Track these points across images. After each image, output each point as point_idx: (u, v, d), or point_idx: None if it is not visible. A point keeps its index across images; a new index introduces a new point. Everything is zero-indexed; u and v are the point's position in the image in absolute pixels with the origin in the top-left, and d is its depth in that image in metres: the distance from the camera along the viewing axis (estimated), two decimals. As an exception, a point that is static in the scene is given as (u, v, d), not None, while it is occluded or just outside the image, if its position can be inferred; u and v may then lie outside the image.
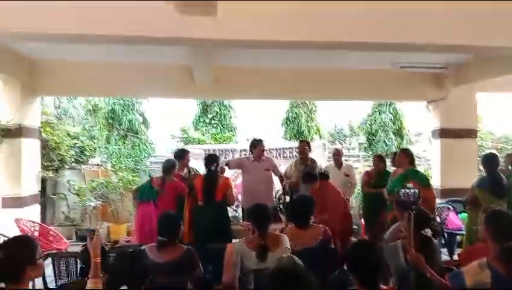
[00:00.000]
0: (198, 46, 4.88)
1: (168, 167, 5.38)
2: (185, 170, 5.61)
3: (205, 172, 5.22)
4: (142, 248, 2.85)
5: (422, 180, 5.08)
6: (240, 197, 6.87)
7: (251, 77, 7.17)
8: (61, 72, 6.81)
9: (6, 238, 2.61)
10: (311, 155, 6.37)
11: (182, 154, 5.76)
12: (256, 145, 5.95)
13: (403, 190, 3.39)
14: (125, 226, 8.14)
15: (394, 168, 5.97)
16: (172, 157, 5.80)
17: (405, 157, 5.31)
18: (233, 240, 4.51)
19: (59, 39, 4.49)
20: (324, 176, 5.45)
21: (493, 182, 4.85)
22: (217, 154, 7.17)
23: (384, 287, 2.39)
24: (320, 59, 6.64)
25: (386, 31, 4.10)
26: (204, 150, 7.82)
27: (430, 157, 8.65)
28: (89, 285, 2.49)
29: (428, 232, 3.27)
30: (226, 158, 7.80)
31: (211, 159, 5.28)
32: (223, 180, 5.21)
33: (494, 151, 5.94)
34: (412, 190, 3.27)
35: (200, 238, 4.80)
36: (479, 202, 4.76)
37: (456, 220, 6.49)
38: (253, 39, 4.06)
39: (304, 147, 6.05)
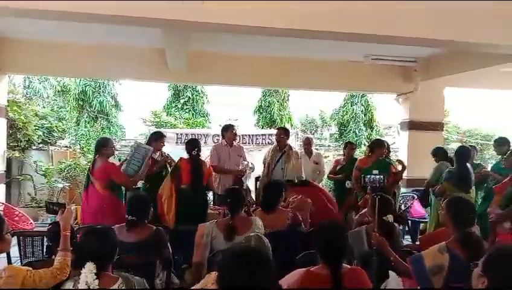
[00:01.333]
0: (174, 30, 4.82)
1: (96, 146, 4.85)
2: (158, 153, 5.53)
3: (189, 157, 5.15)
4: (112, 226, 2.85)
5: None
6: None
7: (225, 64, 7.15)
8: (30, 51, 6.60)
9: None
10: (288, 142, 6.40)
11: (157, 137, 5.59)
12: (228, 129, 5.95)
13: (368, 176, 3.50)
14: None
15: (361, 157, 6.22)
16: (105, 137, 5.53)
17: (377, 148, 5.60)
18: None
19: (29, 14, 4.30)
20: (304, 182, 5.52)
21: (461, 176, 5.09)
22: (183, 138, 7.16)
23: (348, 266, 2.48)
24: (295, 48, 6.69)
25: (358, 22, 4.15)
26: (177, 134, 7.79)
27: (398, 148, 8.88)
28: (58, 257, 2.50)
29: (389, 218, 3.38)
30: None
31: (192, 144, 5.24)
32: (208, 167, 5.30)
33: (466, 145, 6.20)
34: (377, 176, 3.38)
35: (183, 220, 4.71)
36: (446, 194, 4.95)
37: (420, 209, 6.74)
38: (229, 23, 4.03)
39: (281, 135, 6.09)
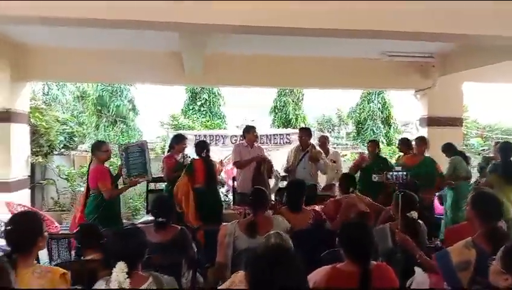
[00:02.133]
0: (190, 33, 4.88)
1: (91, 149, 4.92)
2: (180, 155, 5.61)
3: (201, 157, 5.32)
4: (139, 226, 2.91)
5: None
6: (230, 182, 6.94)
7: (240, 65, 7.19)
8: (50, 58, 6.74)
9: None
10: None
11: (178, 139, 5.72)
12: (250, 130, 6.05)
13: (391, 173, 3.49)
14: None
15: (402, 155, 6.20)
16: (100, 141, 5.59)
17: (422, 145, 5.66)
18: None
19: (49, 23, 4.43)
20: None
21: (506, 169, 5.11)
22: (208, 140, 7.26)
23: (374, 262, 2.49)
24: (310, 47, 6.68)
25: (374, 20, 4.14)
26: (195, 136, 7.85)
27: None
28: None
29: (413, 214, 3.37)
30: (216, 144, 7.88)
31: (201, 146, 5.41)
32: (218, 166, 5.50)
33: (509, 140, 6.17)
34: (400, 173, 3.37)
35: (202, 220, 4.92)
36: (492, 187, 4.95)
37: (440, 206, 6.67)
38: (244, 25, 4.07)
39: (301, 135, 6.11)
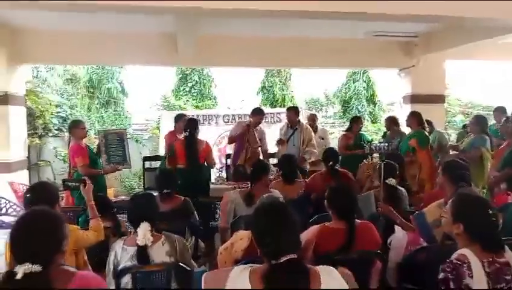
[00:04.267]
0: (184, 15, 5.07)
1: (68, 128, 5.07)
2: (183, 134, 5.58)
3: (185, 136, 5.30)
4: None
5: (421, 141, 5.53)
6: (223, 160, 7.23)
7: (230, 46, 7.36)
8: (45, 41, 6.85)
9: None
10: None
11: (177, 118, 6.00)
12: (257, 114, 6.20)
13: (374, 144, 3.83)
14: (112, 191, 8.41)
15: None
16: (77, 119, 5.81)
17: (413, 119, 5.82)
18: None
19: (41, 7, 4.56)
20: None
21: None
22: (202, 120, 7.50)
23: (359, 221, 2.83)
24: (297, 29, 6.87)
25: (360, 2, 4.37)
26: (189, 116, 8.10)
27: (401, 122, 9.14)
28: (92, 224, 2.90)
29: (391, 181, 3.69)
30: (210, 124, 8.14)
31: (187, 124, 5.35)
32: (205, 146, 5.34)
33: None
34: (382, 144, 3.70)
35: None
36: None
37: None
38: (235, 8, 4.26)
39: (289, 115, 6.37)
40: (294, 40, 7.52)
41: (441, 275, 1.95)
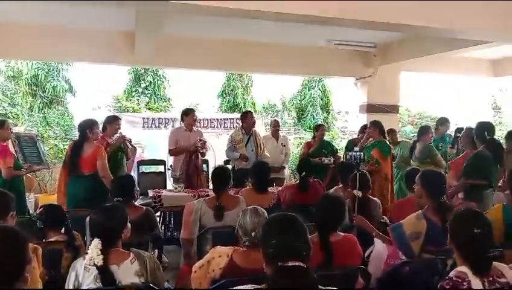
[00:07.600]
0: (148, 12, 4.77)
1: None
2: (114, 137, 5.26)
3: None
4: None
5: (383, 151, 5.62)
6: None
7: (190, 47, 7.12)
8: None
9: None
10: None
11: (110, 120, 5.38)
12: (189, 113, 5.88)
13: (350, 153, 3.74)
14: (55, 197, 7.81)
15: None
16: (2, 119, 5.36)
17: (375, 128, 5.84)
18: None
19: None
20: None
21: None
22: (157, 123, 7.13)
23: (342, 234, 2.70)
24: (258, 32, 6.71)
25: (321, 6, 4.24)
26: (143, 119, 7.72)
27: (356, 130, 9.26)
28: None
29: (358, 193, 3.59)
30: (166, 127, 7.76)
31: (83, 123, 4.76)
32: (92, 152, 4.52)
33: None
34: (358, 153, 3.62)
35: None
36: None
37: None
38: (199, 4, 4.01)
39: (249, 119, 6.21)
40: (255, 45, 7.40)
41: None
